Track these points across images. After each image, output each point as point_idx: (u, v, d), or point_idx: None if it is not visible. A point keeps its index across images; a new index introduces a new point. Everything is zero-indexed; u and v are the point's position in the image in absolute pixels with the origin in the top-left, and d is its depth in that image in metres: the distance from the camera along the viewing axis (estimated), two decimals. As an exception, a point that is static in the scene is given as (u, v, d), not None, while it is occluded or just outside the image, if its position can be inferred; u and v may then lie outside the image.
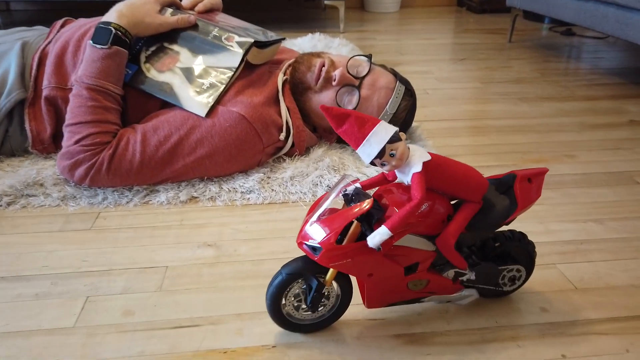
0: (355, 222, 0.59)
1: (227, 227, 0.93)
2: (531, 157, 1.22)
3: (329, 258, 0.58)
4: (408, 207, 0.56)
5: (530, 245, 0.68)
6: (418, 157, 0.58)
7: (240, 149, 1.02)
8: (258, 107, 1.04)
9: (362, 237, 0.60)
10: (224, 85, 1.05)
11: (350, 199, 0.61)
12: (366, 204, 0.58)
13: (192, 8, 1.15)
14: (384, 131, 0.56)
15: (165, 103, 1.07)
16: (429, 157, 0.58)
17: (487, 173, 1.13)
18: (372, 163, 0.58)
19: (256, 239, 0.89)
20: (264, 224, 0.94)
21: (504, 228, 0.92)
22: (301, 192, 1.02)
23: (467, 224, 0.62)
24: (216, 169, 1.03)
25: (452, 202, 0.64)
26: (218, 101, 1.04)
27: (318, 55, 1.15)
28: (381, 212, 0.59)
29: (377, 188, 0.64)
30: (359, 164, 1.11)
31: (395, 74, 1.16)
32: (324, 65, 1.11)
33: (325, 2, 2.63)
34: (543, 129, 1.40)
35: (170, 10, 1.09)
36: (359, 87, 1.11)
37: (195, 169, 1.02)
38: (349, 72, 1.11)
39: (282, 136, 1.08)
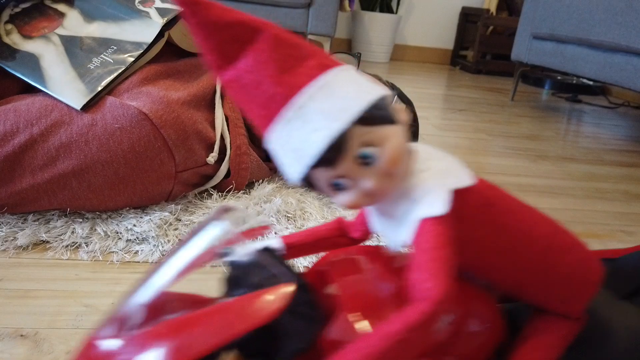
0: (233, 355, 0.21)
1: (76, 301, 0.51)
2: (577, 230, 0.84)
3: None
4: (400, 322, 0.18)
5: None
6: (438, 175, 0.21)
7: (134, 168, 0.62)
8: (174, 105, 0.65)
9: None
10: (124, 68, 0.66)
11: (237, 276, 0.23)
12: (275, 299, 0.20)
13: None
14: (344, 85, 0.19)
15: (29, 86, 0.67)
16: (468, 180, 0.21)
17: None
18: (307, 183, 0.20)
19: (120, 329, 0.48)
20: (147, 301, 0.52)
21: None
22: (228, 249, 0.62)
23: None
24: (89, 197, 0.62)
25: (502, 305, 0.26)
26: (109, 90, 0.65)
27: None
28: (314, 328, 0.21)
29: (321, 256, 0.26)
30: (329, 212, 0.72)
31: (392, 87, 0.80)
32: None
33: (309, 36, 2.33)
34: (578, 193, 1.04)
35: None
36: None
37: (52, 194, 0.61)
38: None
39: (212, 158, 0.69)
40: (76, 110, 0.61)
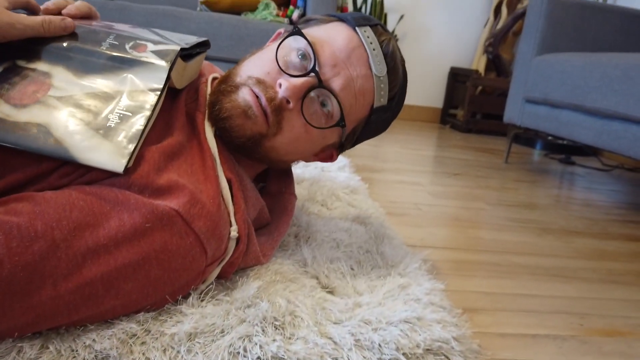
0: None
1: None
2: (596, 326, 0.76)
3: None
4: None
5: None
6: None
7: (167, 269, 0.56)
8: (197, 194, 0.60)
9: None
10: (147, 116, 0.60)
11: None
12: None
13: (58, 13, 0.69)
14: None
15: (37, 161, 0.59)
16: None
17: (532, 349, 0.66)
18: None
19: None
20: None
21: None
22: (204, 370, 0.52)
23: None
24: (114, 305, 0.54)
25: None
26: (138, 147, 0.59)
27: (233, 86, 0.68)
28: None
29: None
30: (322, 315, 0.62)
31: (342, 19, 0.72)
32: (257, 97, 0.67)
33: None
34: (591, 276, 0.96)
35: (24, 15, 0.65)
36: (323, 83, 0.67)
37: (73, 306, 0.52)
38: (291, 75, 0.67)
39: (234, 231, 0.63)
40: (98, 209, 0.54)
